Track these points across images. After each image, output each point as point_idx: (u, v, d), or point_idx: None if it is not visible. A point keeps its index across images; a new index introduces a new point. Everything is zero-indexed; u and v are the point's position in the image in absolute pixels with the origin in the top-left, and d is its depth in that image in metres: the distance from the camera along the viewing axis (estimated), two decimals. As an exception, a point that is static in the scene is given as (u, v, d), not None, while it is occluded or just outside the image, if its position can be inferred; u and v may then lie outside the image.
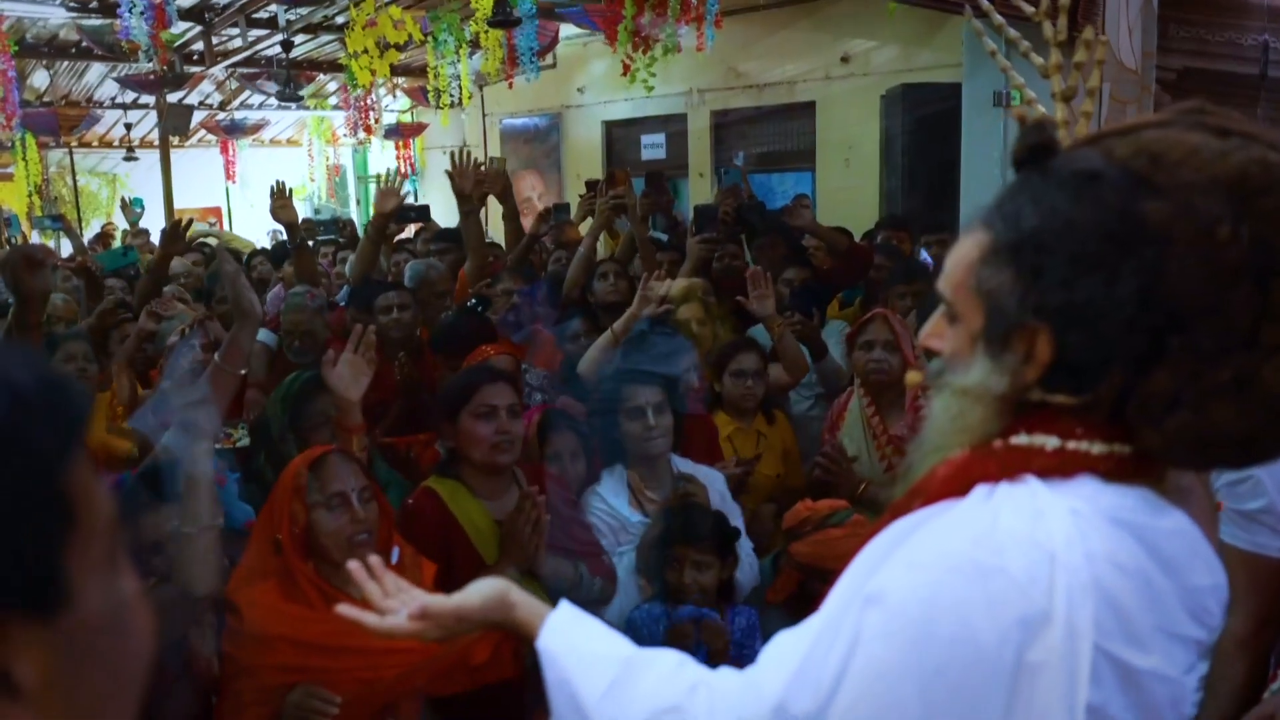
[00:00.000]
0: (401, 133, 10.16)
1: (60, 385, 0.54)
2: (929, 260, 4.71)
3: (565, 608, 1.21)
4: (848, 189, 7.65)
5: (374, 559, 1.29)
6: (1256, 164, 0.89)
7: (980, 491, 0.98)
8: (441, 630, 1.23)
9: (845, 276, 4.56)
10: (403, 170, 10.64)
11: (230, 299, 2.52)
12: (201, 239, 6.15)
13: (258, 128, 10.77)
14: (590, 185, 4.96)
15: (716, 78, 8.32)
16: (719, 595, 2.48)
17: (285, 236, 4.57)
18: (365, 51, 6.26)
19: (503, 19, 5.28)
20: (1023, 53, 3.03)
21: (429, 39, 7.04)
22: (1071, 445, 0.97)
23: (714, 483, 2.86)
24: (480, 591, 1.23)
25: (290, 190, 4.37)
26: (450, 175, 4.18)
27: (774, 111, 8.29)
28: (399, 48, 6.65)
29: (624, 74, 6.02)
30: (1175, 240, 0.89)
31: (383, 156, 11.04)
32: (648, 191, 5.38)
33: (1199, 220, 0.89)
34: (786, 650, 1.03)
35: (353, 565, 1.27)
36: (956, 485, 1.00)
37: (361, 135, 9.57)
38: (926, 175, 6.68)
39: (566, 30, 7.99)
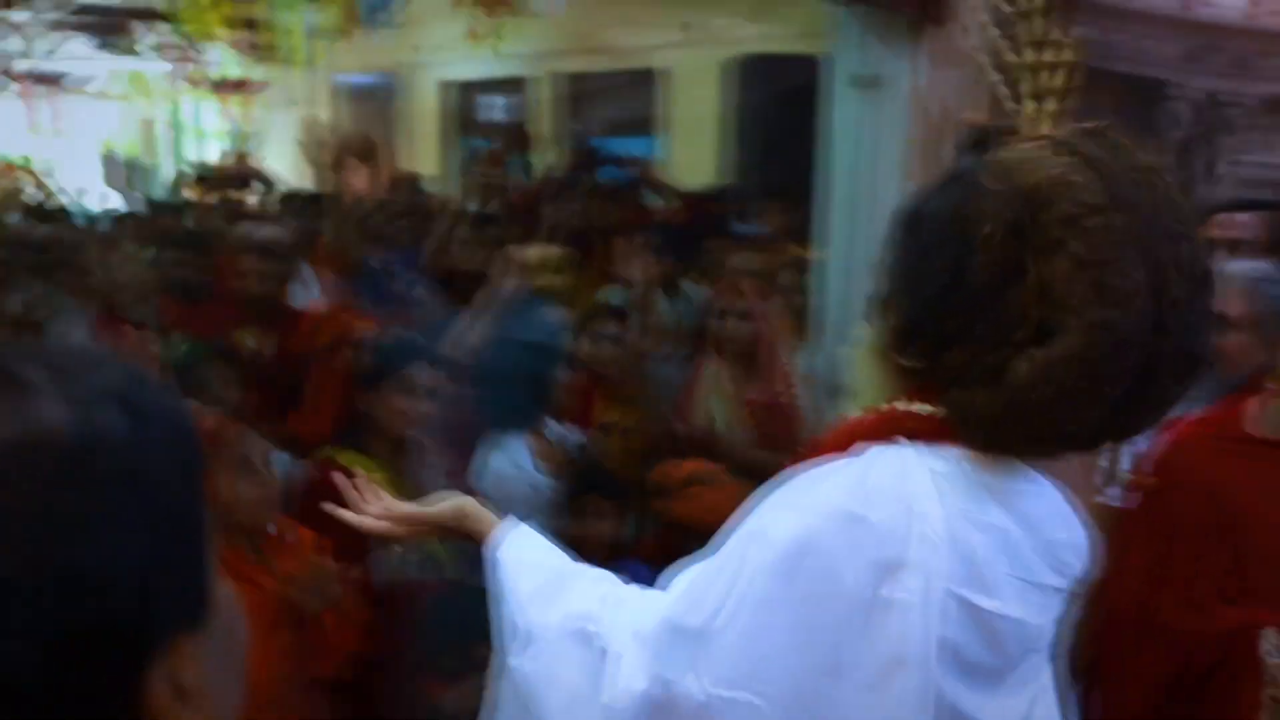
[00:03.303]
0: (227, 88, 9.70)
1: (176, 399, 0.57)
2: (746, 231, 4.91)
3: (522, 527, 1.39)
4: (692, 157, 7.77)
5: (357, 471, 1.51)
6: (1056, 180, 1.01)
7: (870, 452, 1.11)
8: (414, 534, 1.46)
9: (690, 227, 4.70)
10: (226, 127, 10.19)
11: (85, 277, 2.44)
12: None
13: (66, 79, 10.07)
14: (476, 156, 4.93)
15: (560, 41, 8.28)
16: (611, 551, 2.58)
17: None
18: (197, 2, 5.96)
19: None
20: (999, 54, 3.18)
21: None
22: (930, 410, 1.12)
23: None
24: (451, 503, 1.43)
25: (120, 157, 4.18)
26: (303, 149, 4.07)
27: (618, 78, 8.33)
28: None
29: (471, 39, 5.94)
30: (977, 236, 1.04)
31: (206, 113, 10.50)
32: (513, 132, 5.40)
33: (993, 221, 1.03)
34: (688, 581, 1.18)
35: (336, 475, 1.48)
36: (844, 442, 1.15)
37: (185, 89, 9.09)
38: (767, 147, 6.87)
39: (404, -14, 7.78)
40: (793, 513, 1.10)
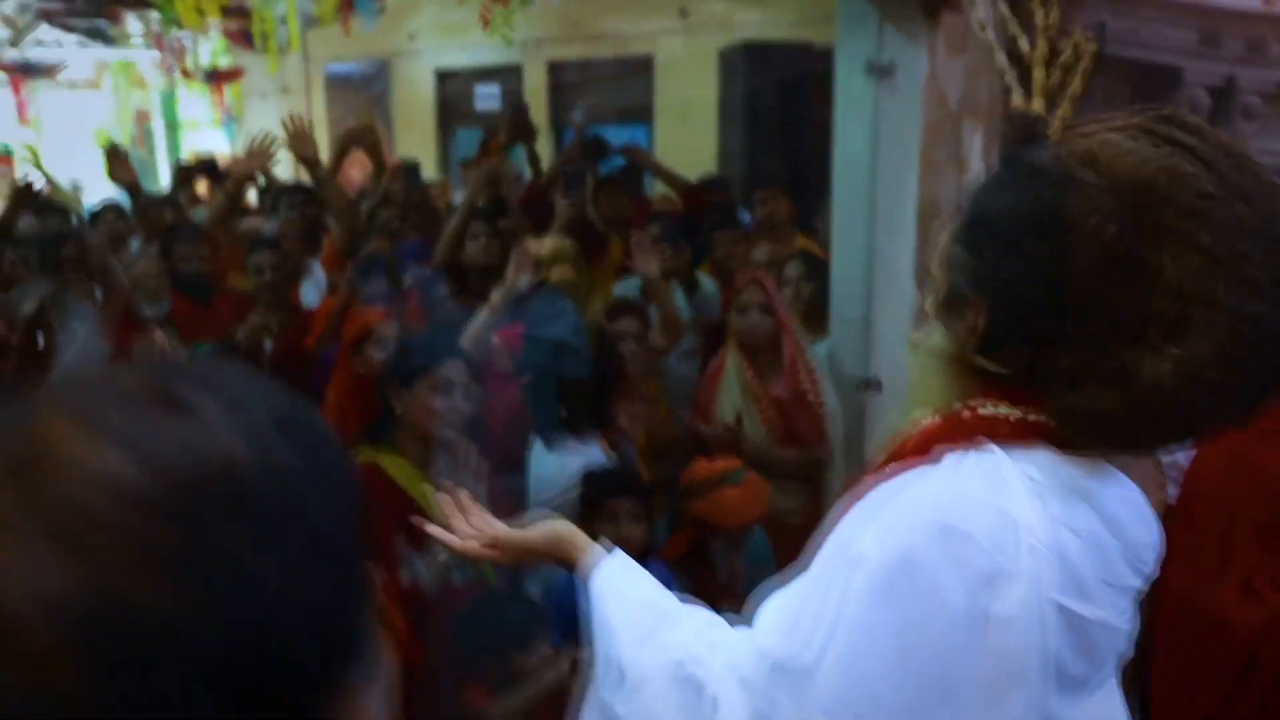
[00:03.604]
0: (218, 78, 9.61)
1: (328, 425, 0.55)
2: (747, 220, 4.90)
3: (619, 555, 1.35)
4: (685, 146, 7.73)
5: (463, 494, 1.48)
6: (1167, 174, 0.98)
7: (950, 459, 1.08)
8: (509, 559, 1.43)
9: (694, 216, 4.68)
10: (218, 117, 10.11)
11: (97, 274, 2.40)
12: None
13: (54, 70, 9.97)
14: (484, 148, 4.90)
15: (553, 28, 8.22)
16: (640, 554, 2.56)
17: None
18: (192, -9, 5.88)
19: (346, -36, 5.07)
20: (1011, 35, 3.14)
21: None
22: (1031, 417, 1.07)
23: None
24: (546, 527, 1.40)
25: (125, 151, 4.13)
26: (290, 144, 4.01)
27: (612, 64, 8.27)
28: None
29: (483, 26, 5.90)
30: (1085, 234, 1.00)
31: (195, 102, 10.41)
32: (511, 121, 5.35)
33: (1103, 218, 0.99)
34: (780, 611, 1.14)
35: (442, 497, 1.46)
36: (921, 449, 1.12)
37: (177, 78, 8.99)
38: (766, 135, 6.84)
39: (399, -26, 7.71)
40: (885, 530, 1.05)
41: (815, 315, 3.47)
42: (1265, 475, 1.81)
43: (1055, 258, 1.02)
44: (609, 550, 1.35)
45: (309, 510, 0.50)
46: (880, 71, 3.42)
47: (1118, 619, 1.08)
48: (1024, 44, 3.34)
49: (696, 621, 1.24)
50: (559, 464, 2.71)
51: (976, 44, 3.55)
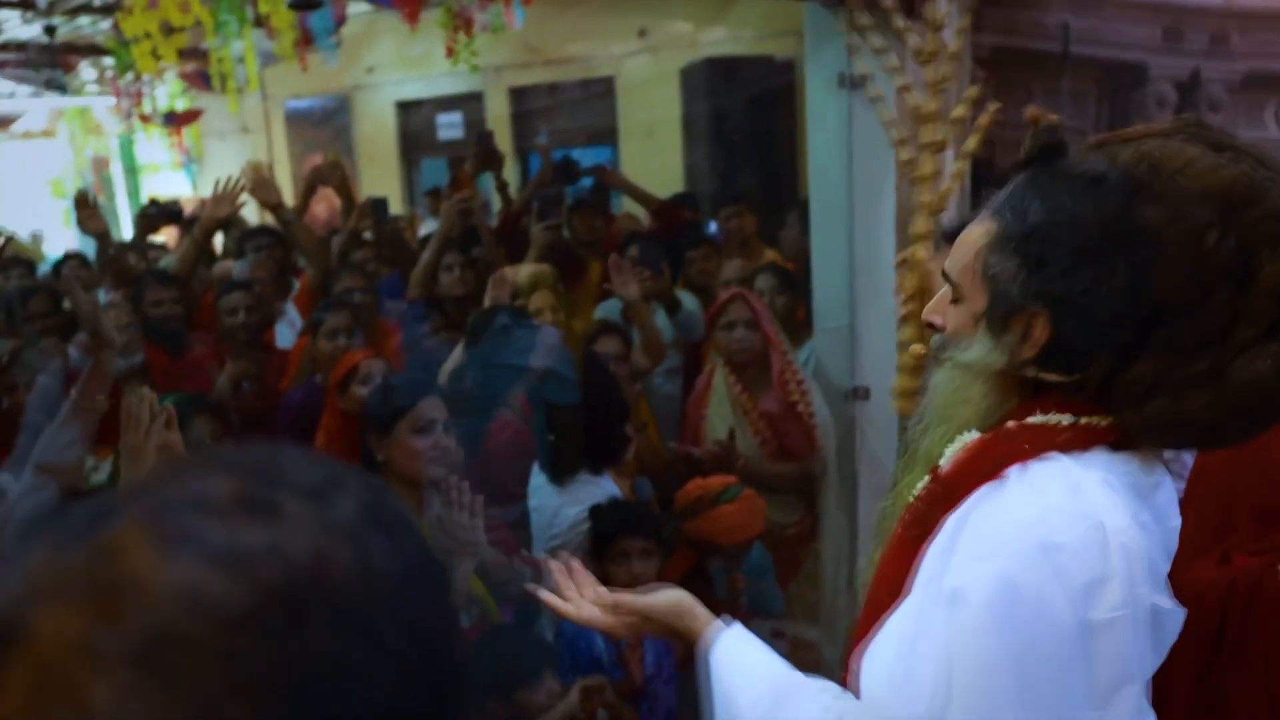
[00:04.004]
0: (176, 120, 9.52)
1: (406, 508, 0.51)
2: (717, 233, 4.90)
3: (737, 627, 1.31)
4: (651, 165, 7.73)
5: (575, 561, 1.43)
6: (1244, 179, 1.01)
7: (1015, 473, 1.07)
8: (627, 628, 1.38)
9: (667, 235, 4.66)
10: (178, 160, 10.01)
11: (87, 327, 2.33)
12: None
13: (7, 121, 9.86)
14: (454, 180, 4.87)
15: (514, 54, 8.21)
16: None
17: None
18: (148, 35, 5.81)
19: (303, 1, 5.03)
20: (896, 30, 3.12)
21: (211, 19, 6.61)
22: (1084, 420, 1.08)
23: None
24: (666, 597, 1.34)
25: (94, 199, 4.06)
26: (252, 192, 3.97)
27: (573, 87, 8.27)
28: (183, 30, 6.22)
29: (448, 56, 5.87)
30: (1167, 242, 1.01)
31: (153, 146, 10.31)
32: (477, 150, 5.32)
33: (1190, 226, 1.00)
34: (887, 669, 1.12)
35: (553, 564, 1.42)
36: (988, 468, 1.10)
37: (135, 123, 8.90)
38: (730, 150, 6.85)
39: (354, 7, 7.67)
40: (978, 561, 1.04)
41: (791, 324, 3.47)
42: (1267, 462, 1.80)
43: (1137, 267, 1.02)
44: (728, 623, 1.31)
45: (407, 607, 0.46)
46: (852, 83, 3.42)
47: (1178, 608, 1.10)
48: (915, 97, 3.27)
49: (820, 695, 1.20)
50: (568, 498, 2.66)
51: (944, 54, 3.56)
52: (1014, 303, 1.09)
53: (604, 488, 2.69)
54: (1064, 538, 1.00)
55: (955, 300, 1.17)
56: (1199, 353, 1.02)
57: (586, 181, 5.67)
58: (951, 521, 1.09)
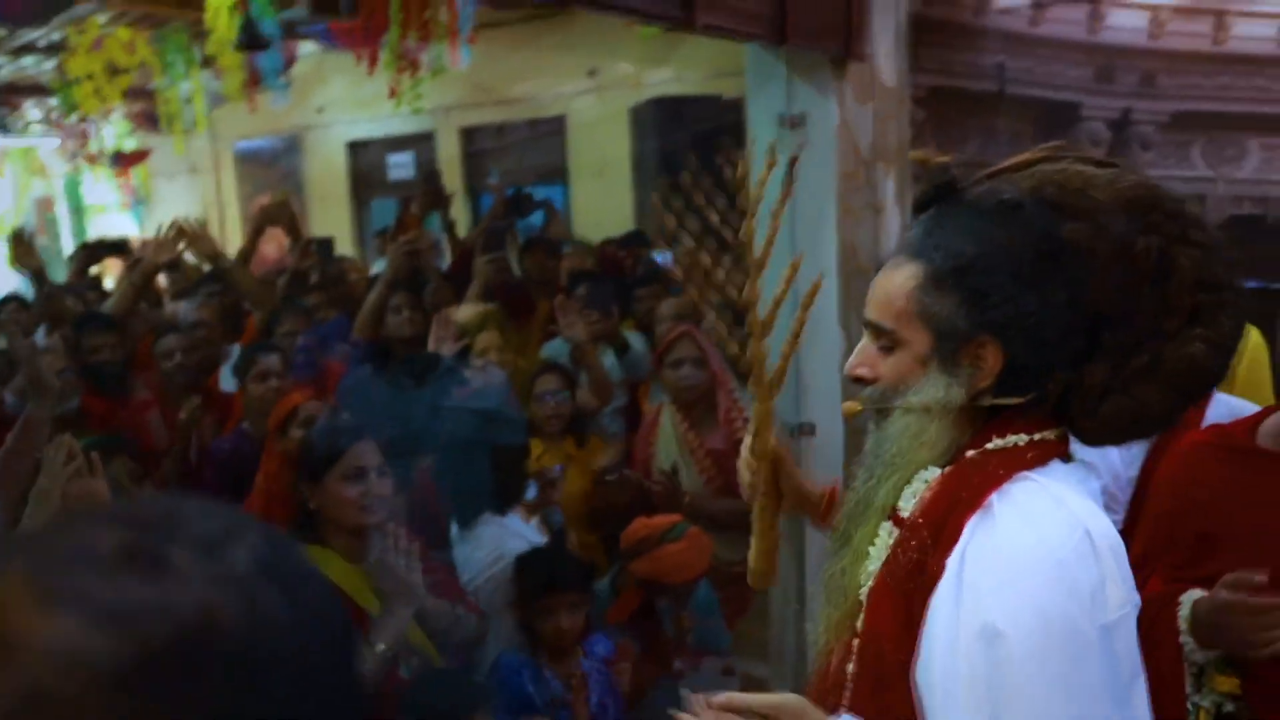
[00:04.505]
0: (124, 161, 9.42)
1: (310, 560, 0.51)
2: (669, 262, 4.96)
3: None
4: (602, 203, 7.77)
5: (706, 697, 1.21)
6: (1140, 186, 1.12)
7: (997, 500, 1.11)
8: None
9: (616, 274, 4.70)
10: (125, 201, 9.90)
11: (28, 376, 2.28)
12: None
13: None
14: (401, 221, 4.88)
15: (464, 94, 8.23)
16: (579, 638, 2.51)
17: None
18: (90, 76, 5.77)
19: (251, 41, 5.03)
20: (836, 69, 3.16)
21: (155, 60, 6.58)
22: (1038, 437, 1.15)
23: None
24: (787, 701, 1.19)
25: (31, 235, 4.01)
26: (191, 248, 3.96)
27: (524, 127, 8.30)
28: (127, 71, 6.19)
29: (391, 97, 5.87)
30: (1097, 254, 1.10)
31: (100, 187, 10.19)
32: (425, 190, 5.32)
33: (1114, 236, 1.10)
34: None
35: (694, 697, 1.20)
36: (968, 499, 1.12)
37: (81, 164, 8.80)
38: (681, 187, 6.89)
39: (303, 47, 7.67)
40: (1003, 593, 1.05)
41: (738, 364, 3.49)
42: (1217, 487, 1.82)
43: (1072, 282, 1.10)
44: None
45: (302, 657, 0.45)
46: (793, 123, 3.46)
47: (1138, 598, 1.14)
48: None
49: None
50: (474, 542, 2.65)
51: (883, 91, 3.63)
52: (962, 337, 1.12)
53: (509, 527, 2.68)
54: (1064, 553, 1.05)
55: (888, 348, 1.17)
56: (1139, 349, 1.11)
57: (538, 218, 5.70)
58: (952, 562, 1.10)
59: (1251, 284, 3.81)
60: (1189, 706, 1.64)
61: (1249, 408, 2.30)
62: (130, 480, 2.66)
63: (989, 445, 1.15)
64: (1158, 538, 1.89)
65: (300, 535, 2.28)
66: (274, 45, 6.11)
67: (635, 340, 3.89)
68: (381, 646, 2.03)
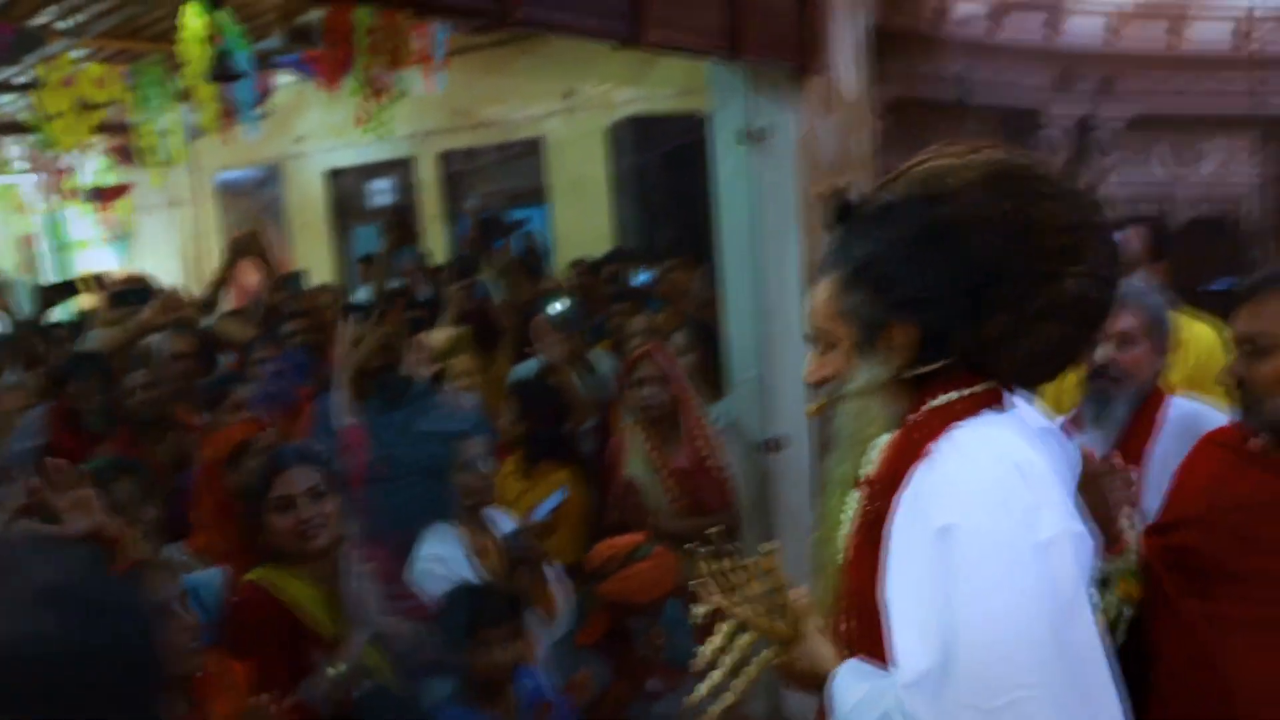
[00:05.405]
0: (103, 196, 9.43)
1: (128, 587, 0.51)
2: (637, 282, 5.00)
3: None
4: (582, 222, 7.79)
5: None
6: (994, 161, 1.29)
7: (935, 448, 1.27)
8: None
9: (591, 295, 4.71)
10: (107, 236, 9.90)
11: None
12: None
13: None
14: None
15: (442, 119, 8.26)
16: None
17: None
18: (62, 114, 5.79)
19: (223, 73, 5.05)
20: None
21: (131, 95, 6.61)
22: (969, 391, 1.31)
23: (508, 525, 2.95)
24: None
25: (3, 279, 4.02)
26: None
27: (502, 150, 8.33)
28: (100, 107, 6.20)
29: (357, 124, 5.89)
30: (966, 227, 1.26)
31: (83, 222, 10.19)
32: (392, 226, 5.34)
33: (976, 209, 1.26)
34: (905, 631, 1.23)
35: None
36: (911, 453, 1.29)
37: (60, 200, 8.81)
38: (656, 206, 6.92)
39: (281, 77, 7.70)
40: (951, 507, 1.20)
41: (709, 380, 3.49)
42: (1240, 496, 1.82)
43: (953, 255, 1.25)
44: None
45: (79, 682, 0.46)
46: (754, 137, 3.48)
47: (1090, 534, 1.25)
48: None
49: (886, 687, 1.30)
50: (452, 556, 2.66)
51: (845, 104, 3.66)
52: (875, 324, 1.30)
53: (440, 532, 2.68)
54: (994, 477, 1.20)
55: (827, 349, 1.37)
56: (1027, 295, 1.26)
57: (518, 244, 5.72)
58: (901, 504, 1.26)
59: (1216, 286, 3.84)
60: None
61: (1205, 410, 2.31)
62: (135, 503, 2.61)
63: (926, 407, 1.31)
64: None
65: (264, 560, 2.29)
66: (248, 77, 6.15)
67: (604, 360, 3.90)
68: (332, 671, 2.03)
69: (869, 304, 1.30)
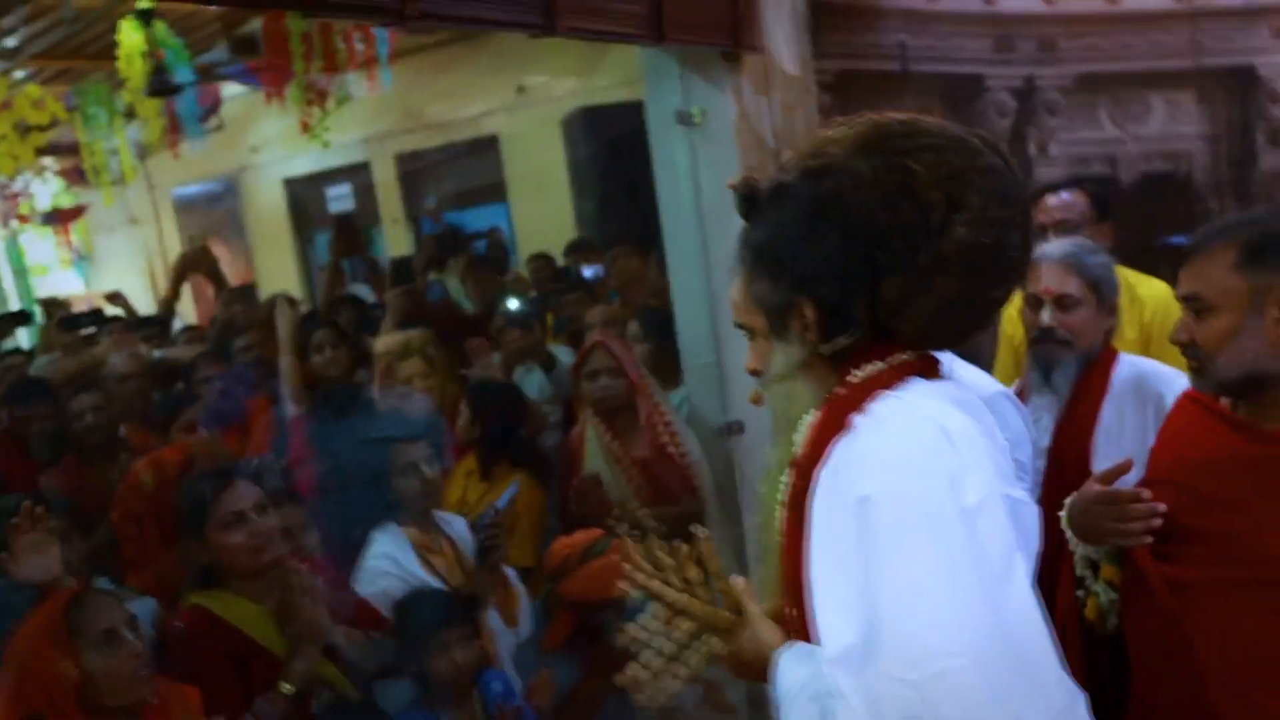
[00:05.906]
0: (60, 218, 9.32)
1: None
2: (589, 274, 4.96)
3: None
4: (544, 216, 7.75)
5: None
6: (869, 128, 1.28)
7: (858, 419, 1.26)
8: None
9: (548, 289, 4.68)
10: (67, 258, 9.79)
11: None
12: None
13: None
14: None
15: (396, 121, 8.20)
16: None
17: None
18: (5, 137, 5.70)
19: (161, 87, 4.97)
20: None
21: (77, 114, 6.53)
22: (890, 360, 1.30)
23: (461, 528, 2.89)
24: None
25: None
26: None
27: (459, 148, 8.26)
28: (42, 129, 6.11)
29: (304, 131, 5.82)
30: (849, 195, 1.25)
31: (43, 246, 10.07)
32: (338, 236, 5.27)
33: (856, 176, 1.25)
34: (830, 608, 1.21)
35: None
36: (835, 426, 1.28)
37: (14, 225, 8.71)
38: (616, 193, 6.88)
39: (232, 88, 7.62)
40: (872, 476, 1.19)
41: (665, 368, 3.45)
42: (1206, 454, 1.79)
43: (838, 224, 1.25)
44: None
45: None
46: (691, 119, 3.42)
47: (1030, 502, 1.27)
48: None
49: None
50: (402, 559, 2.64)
51: (786, 80, 3.61)
52: (781, 306, 1.30)
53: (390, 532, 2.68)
54: (918, 444, 1.19)
55: (752, 339, 1.38)
56: (917, 253, 1.24)
57: (480, 245, 5.68)
58: (821, 478, 1.25)
59: (1169, 240, 3.81)
60: (1079, 594, 1.82)
61: (1155, 367, 2.29)
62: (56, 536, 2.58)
63: (849, 380, 1.30)
64: None
65: (205, 584, 2.25)
66: (190, 89, 6.07)
67: (564, 354, 3.86)
68: (288, 688, 2.00)
69: (771, 288, 1.31)
